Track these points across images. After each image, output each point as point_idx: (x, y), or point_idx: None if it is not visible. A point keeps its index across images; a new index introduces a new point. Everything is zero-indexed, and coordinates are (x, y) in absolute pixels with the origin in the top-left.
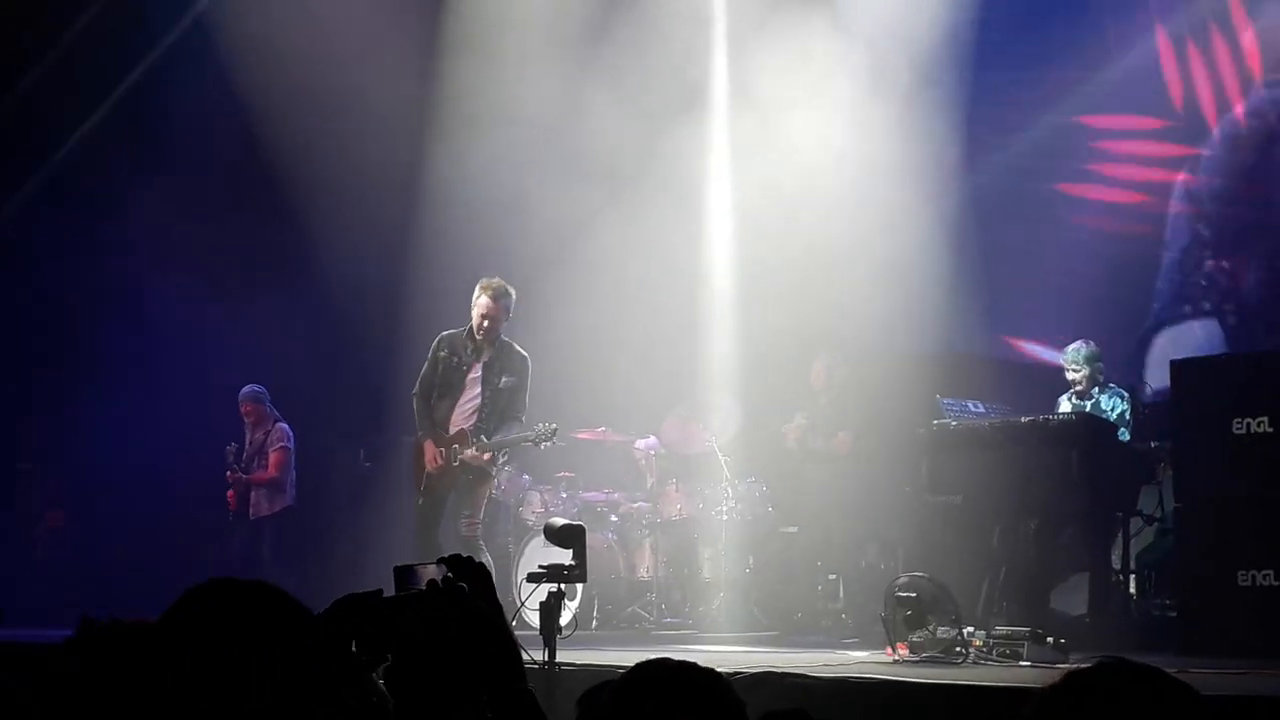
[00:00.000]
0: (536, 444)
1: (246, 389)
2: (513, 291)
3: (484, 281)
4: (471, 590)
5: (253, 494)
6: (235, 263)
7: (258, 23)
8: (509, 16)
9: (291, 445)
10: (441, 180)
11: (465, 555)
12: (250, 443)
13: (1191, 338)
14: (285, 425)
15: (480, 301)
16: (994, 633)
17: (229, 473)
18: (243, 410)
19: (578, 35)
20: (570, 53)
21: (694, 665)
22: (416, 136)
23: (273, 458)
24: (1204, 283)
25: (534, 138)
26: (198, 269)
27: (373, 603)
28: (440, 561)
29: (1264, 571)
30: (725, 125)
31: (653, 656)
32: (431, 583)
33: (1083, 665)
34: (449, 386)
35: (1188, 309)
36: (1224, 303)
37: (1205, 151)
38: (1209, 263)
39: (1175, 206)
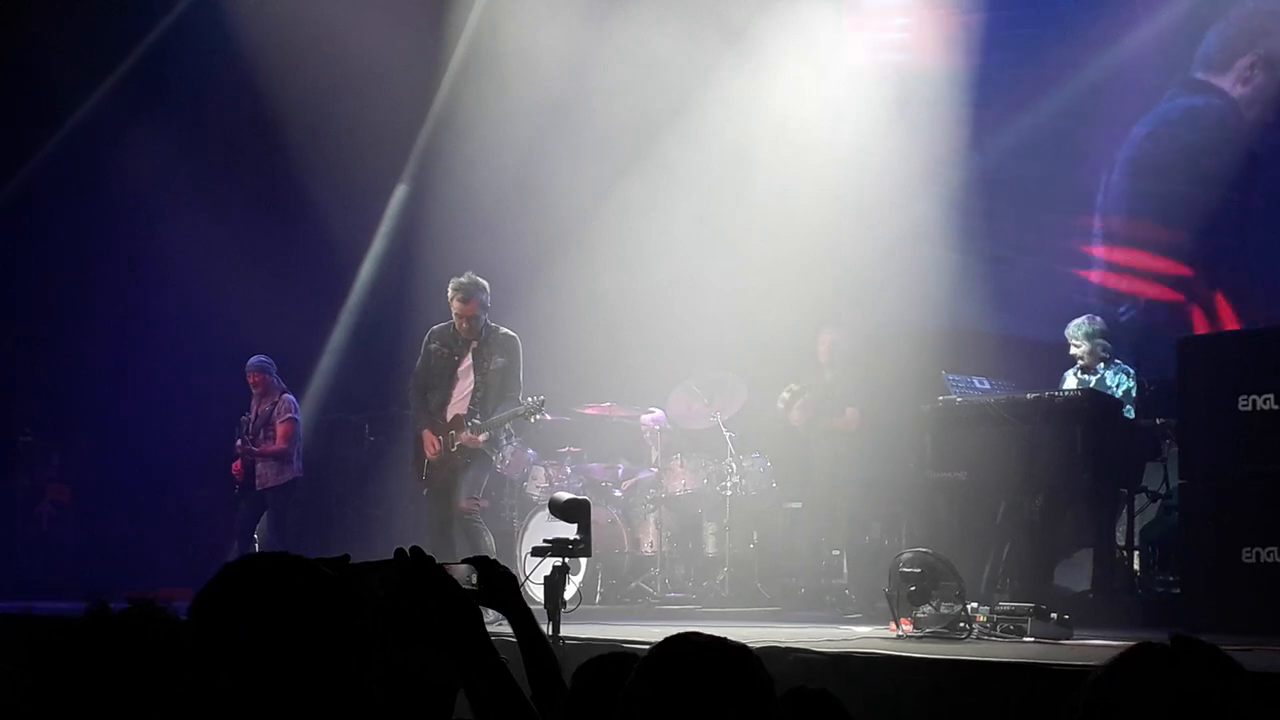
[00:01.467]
0: (527, 417)
1: (254, 359)
2: (484, 283)
3: (453, 283)
4: (498, 593)
5: (259, 465)
6: (242, 237)
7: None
8: None
9: (298, 416)
10: (449, 155)
11: (493, 559)
12: (257, 414)
13: None
14: (291, 396)
15: (453, 305)
16: (998, 609)
17: (239, 443)
18: (250, 380)
19: (583, 17)
20: (578, 30)
21: (725, 640)
22: (425, 111)
23: (280, 429)
24: None
25: (541, 114)
26: (204, 245)
27: (337, 568)
28: (467, 562)
29: (1268, 549)
30: (732, 103)
31: (679, 630)
32: (399, 551)
33: (1154, 639)
34: (441, 377)
35: None
36: None
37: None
38: None
39: None
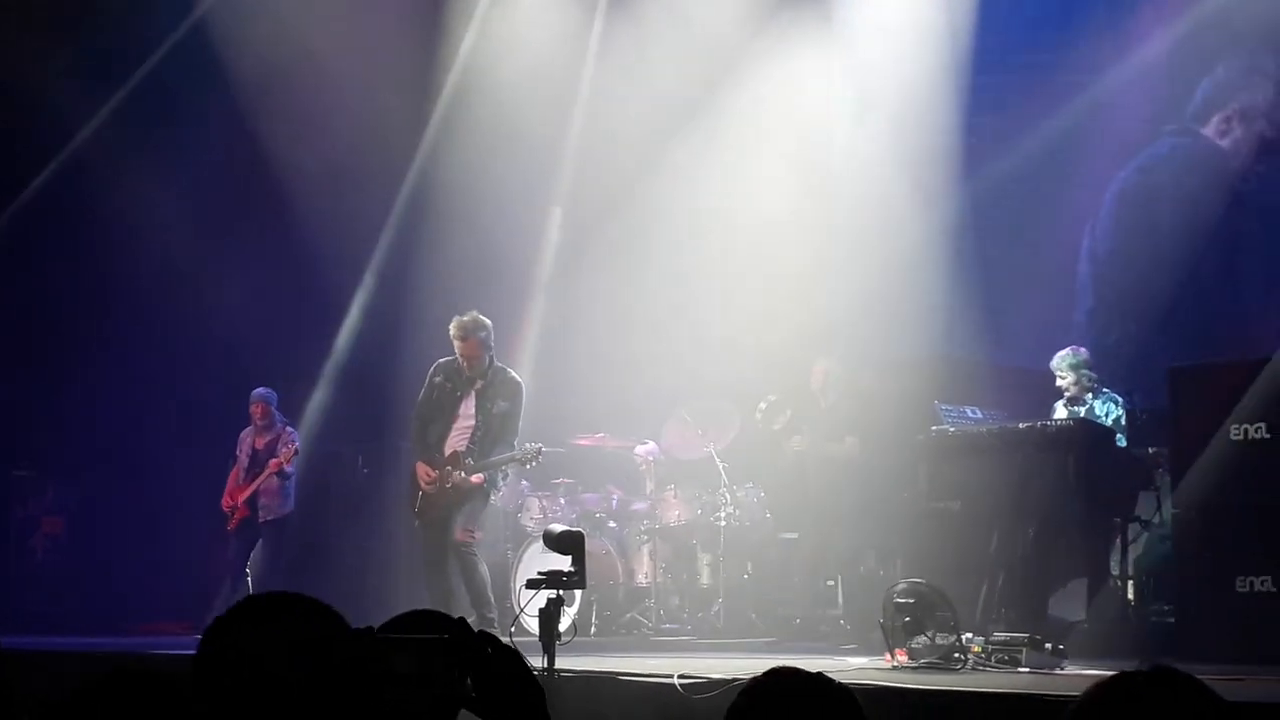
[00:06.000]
0: (523, 464)
1: (259, 390)
2: (485, 321)
3: (455, 321)
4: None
5: (262, 498)
6: (235, 268)
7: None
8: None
9: (298, 448)
10: (444, 187)
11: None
12: (258, 448)
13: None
14: (293, 429)
15: (454, 343)
16: (992, 639)
17: (237, 472)
18: (252, 410)
19: (577, 50)
20: (571, 61)
21: (828, 679)
22: (418, 141)
23: (283, 452)
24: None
25: (534, 147)
26: (196, 276)
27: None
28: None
29: (1261, 578)
30: (724, 133)
31: (785, 664)
32: (445, 628)
33: (1131, 669)
34: (442, 411)
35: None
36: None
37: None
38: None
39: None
